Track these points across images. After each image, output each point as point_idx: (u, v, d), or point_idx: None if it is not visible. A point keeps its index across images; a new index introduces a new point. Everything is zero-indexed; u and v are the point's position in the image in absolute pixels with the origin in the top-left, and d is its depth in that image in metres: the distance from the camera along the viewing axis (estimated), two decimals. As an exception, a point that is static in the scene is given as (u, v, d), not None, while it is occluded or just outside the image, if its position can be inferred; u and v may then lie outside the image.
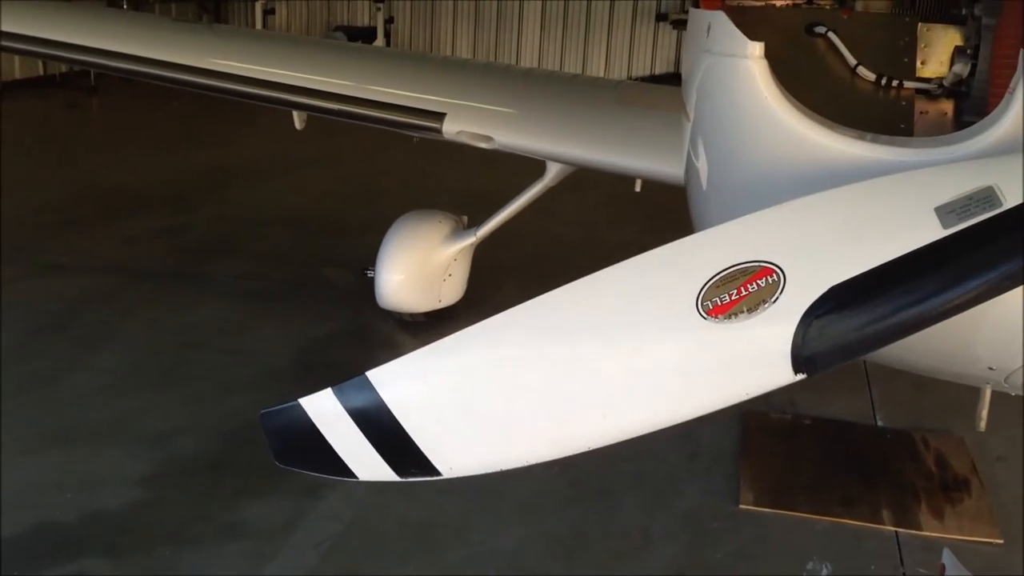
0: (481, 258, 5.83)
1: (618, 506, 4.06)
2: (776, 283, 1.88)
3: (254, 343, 5.41)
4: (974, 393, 3.68)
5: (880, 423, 4.90)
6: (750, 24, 2.45)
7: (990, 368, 2.38)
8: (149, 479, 4.04)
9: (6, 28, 5.24)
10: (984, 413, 3.92)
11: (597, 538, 3.84)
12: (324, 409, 2.15)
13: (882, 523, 4.01)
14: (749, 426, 4.70)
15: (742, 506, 4.08)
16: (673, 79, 4.46)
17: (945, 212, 1.87)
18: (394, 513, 3.89)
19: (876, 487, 4.27)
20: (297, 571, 3.54)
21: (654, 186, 5.06)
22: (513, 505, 3.97)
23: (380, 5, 15.52)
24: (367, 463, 2.16)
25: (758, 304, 1.88)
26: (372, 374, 2.10)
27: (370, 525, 3.82)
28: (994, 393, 3.36)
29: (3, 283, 5.94)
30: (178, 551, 3.59)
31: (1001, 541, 3.89)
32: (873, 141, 2.34)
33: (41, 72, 13.00)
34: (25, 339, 5.26)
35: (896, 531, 3.97)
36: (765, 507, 4.07)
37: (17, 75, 12.67)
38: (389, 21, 15.85)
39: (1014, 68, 2.18)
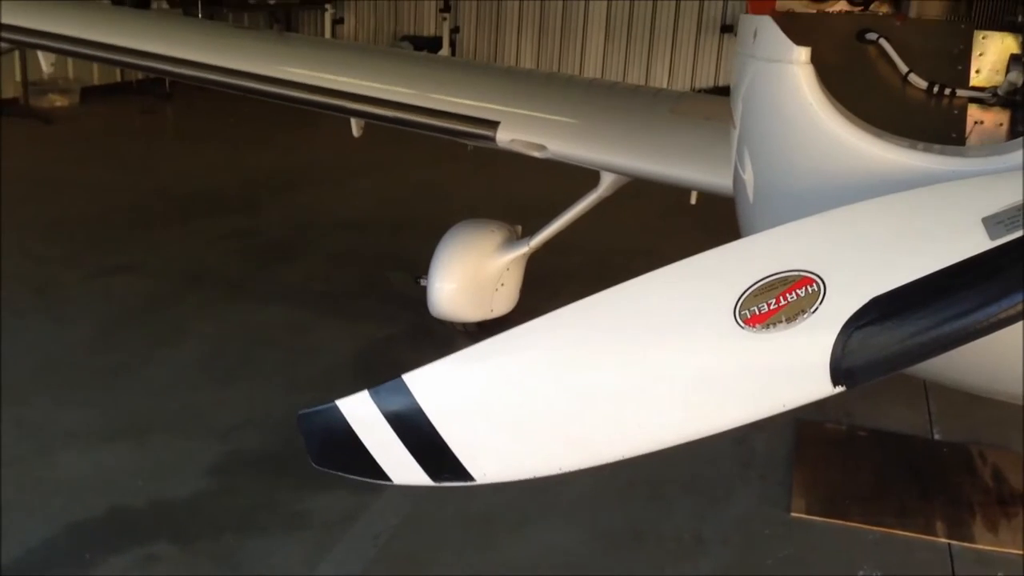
0: (535, 266, 5.85)
1: (671, 509, 4.11)
2: (816, 293, 1.85)
3: (319, 342, 5.56)
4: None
5: (937, 436, 4.88)
6: (800, 31, 2.39)
7: None
8: (217, 469, 4.20)
9: (84, 36, 5.43)
10: None
11: (650, 539, 3.90)
12: (360, 411, 2.14)
13: (936, 535, 4.00)
14: (804, 435, 4.72)
15: (794, 514, 4.10)
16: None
17: (993, 223, 1.82)
18: (451, 507, 3.99)
19: (931, 499, 4.26)
20: (355, 561, 3.66)
21: (711, 197, 5.08)
22: (568, 503, 4.05)
23: (446, 15, 15.70)
24: (401, 467, 2.14)
25: (797, 314, 1.84)
26: (408, 377, 2.08)
27: (428, 519, 3.93)
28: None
29: (82, 280, 6.19)
30: (243, 538, 3.74)
31: (1057, 556, 3.88)
32: (924, 150, 2.27)
33: (118, 79, 13.37)
34: (102, 334, 5.48)
35: (949, 543, 3.95)
36: (817, 516, 4.09)
37: (95, 81, 13.05)
38: (455, 31, 15.98)
39: None
